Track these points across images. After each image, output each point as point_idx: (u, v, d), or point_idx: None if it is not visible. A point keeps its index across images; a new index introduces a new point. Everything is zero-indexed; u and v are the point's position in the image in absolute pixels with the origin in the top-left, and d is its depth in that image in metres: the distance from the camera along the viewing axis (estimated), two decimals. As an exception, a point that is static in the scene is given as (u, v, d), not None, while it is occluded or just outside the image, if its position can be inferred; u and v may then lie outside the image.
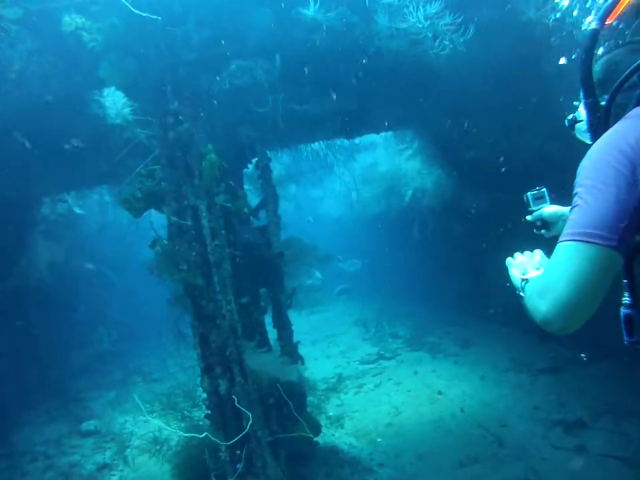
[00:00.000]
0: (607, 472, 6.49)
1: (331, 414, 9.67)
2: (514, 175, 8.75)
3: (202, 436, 4.59)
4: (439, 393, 9.82)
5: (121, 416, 11.56)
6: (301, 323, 20.06)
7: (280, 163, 10.94)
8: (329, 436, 8.68)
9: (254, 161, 7.43)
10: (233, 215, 6.41)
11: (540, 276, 2.19)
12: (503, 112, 7.45)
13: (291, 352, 6.77)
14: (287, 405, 6.64)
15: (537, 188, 3.34)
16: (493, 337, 13.12)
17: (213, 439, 4.50)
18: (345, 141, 11.43)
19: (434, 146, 8.94)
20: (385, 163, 13.30)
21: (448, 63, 6.64)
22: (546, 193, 3.32)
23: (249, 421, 4.23)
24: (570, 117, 2.75)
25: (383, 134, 10.34)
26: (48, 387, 13.35)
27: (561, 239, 1.89)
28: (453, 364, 11.70)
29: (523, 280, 2.51)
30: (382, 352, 13.74)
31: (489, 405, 8.90)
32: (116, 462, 9.23)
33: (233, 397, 4.31)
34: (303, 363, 7.55)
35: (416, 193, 11.98)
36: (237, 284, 6.03)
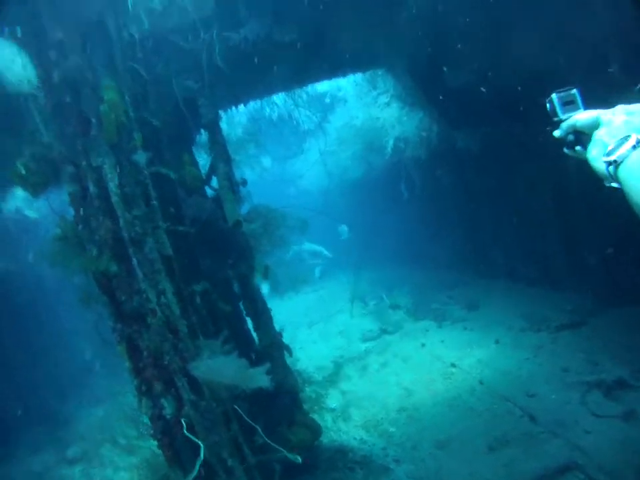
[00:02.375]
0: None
1: (334, 405, 8.58)
2: (508, 103, 7.58)
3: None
4: (452, 365, 8.72)
5: (109, 433, 10.36)
6: (295, 304, 19.35)
7: (240, 126, 9.70)
8: (335, 431, 7.58)
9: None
10: (178, 184, 5.21)
11: None
12: (488, 20, 6.23)
13: (269, 344, 5.61)
14: (272, 412, 5.51)
15: (565, 88, 2.48)
16: (498, 294, 12.16)
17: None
18: (308, 91, 10.19)
19: (411, 84, 7.71)
20: (359, 117, 12.05)
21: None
22: (578, 95, 2.47)
23: (202, 449, 3.06)
24: None
25: (352, 79, 9.15)
26: (31, 413, 12.13)
27: None
28: (462, 330, 10.63)
29: (612, 162, 1.90)
30: (384, 326, 12.75)
31: (509, 373, 7.79)
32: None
33: (182, 420, 3.13)
34: (290, 355, 6.43)
35: (398, 144, 10.77)
36: (191, 267, 4.85)
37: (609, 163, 1.92)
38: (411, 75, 7.38)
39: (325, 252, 16.33)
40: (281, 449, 4.82)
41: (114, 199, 3.17)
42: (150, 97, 5.19)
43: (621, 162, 1.86)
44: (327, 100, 13.99)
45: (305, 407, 7.21)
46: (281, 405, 5.75)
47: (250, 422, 3.79)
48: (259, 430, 3.80)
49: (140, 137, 3.72)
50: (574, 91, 2.47)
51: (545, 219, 10.01)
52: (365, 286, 17.77)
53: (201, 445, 3.03)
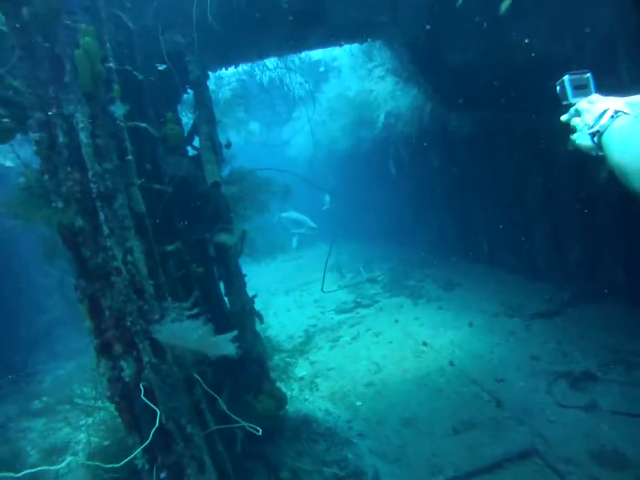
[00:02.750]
0: (624, 433, 5.45)
1: (303, 374, 8.56)
2: (506, 88, 7.44)
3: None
4: (424, 344, 8.72)
5: (80, 388, 10.23)
6: (274, 271, 19.30)
7: (229, 88, 9.42)
8: (301, 401, 7.57)
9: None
10: (159, 141, 5.04)
11: None
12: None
13: (240, 309, 5.51)
14: (239, 379, 5.45)
15: (579, 71, 2.49)
16: (478, 277, 12.17)
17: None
18: (302, 58, 9.92)
19: (408, 58, 7.53)
20: (352, 88, 11.80)
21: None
22: (591, 79, 2.48)
23: (159, 415, 2.96)
24: None
25: (347, 50, 8.90)
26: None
27: None
28: (436, 310, 10.63)
29: (595, 132, 2.24)
30: (359, 299, 12.76)
31: (481, 357, 7.80)
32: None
33: (141, 385, 3.03)
34: (262, 322, 6.34)
35: (389, 119, 10.57)
36: (165, 227, 4.72)
37: (593, 135, 2.24)
38: (409, 48, 7.18)
39: (310, 222, 16.05)
40: (239, 420, 4.77)
41: (85, 150, 2.99)
42: (136, 50, 5.00)
43: (604, 131, 2.18)
44: (322, 69, 13.72)
45: (273, 375, 7.16)
46: (249, 372, 5.68)
47: (209, 390, 3.70)
48: (219, 399, 3.71)
49: (119, 89, 3.53)
50: (588, 74, 2.47)
51: (533, 208, 9.98)
52: (344, 258, 17.75)
53: (158, 411, 2.93)
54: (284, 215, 16.97)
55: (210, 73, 7.24)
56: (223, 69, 7.61)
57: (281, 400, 5.79)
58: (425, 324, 9.85)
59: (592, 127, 2.25)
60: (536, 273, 10.53)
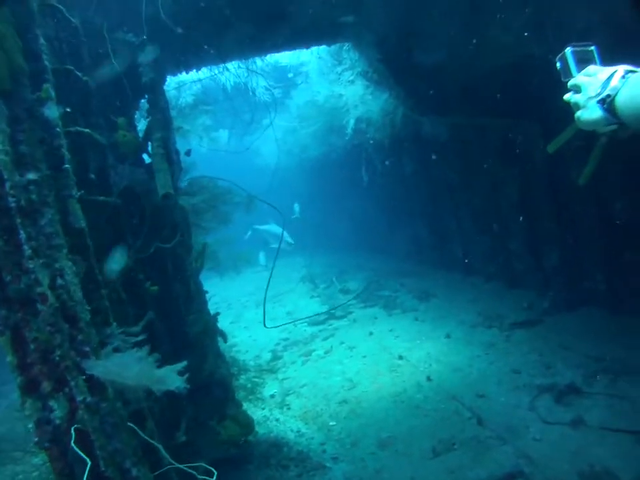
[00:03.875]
0: (614, 450, 5.14)
1: (275, 391, 8.13)
2: (481, 91, 7.15)
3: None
4: (400, 357, 8.36)
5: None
6: (244, 282, 18.82)
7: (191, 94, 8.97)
8: (272, 421, 7.13)
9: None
10: (108, 149, 4.60)
11: None
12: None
13: (201, 330, 5.07)
14: (202, 405, 5.04)
15: (582, 43, 2.26)
16: (454, 287, 11.91)
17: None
18: (270, 63, 9.55)
19: (378, 59, 7.19)
20: (320, 92, 11.43)
21: None
22: (595, 53, 2.24)
23: (89, 467, 2.52)
24: None
25: (315, 53, 8.53)
26: None
27: None
28: (412, 321, 10.29)
29: (605, 98, 1.98)
30: (332, 310, 12.28)
31: (459, 370, 7.45)
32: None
33: (72, 428, 2.59)
34: (225, 341, 5.94)
35: (359, 125, 10.23)
36: (114, 243, 4.29)
37: (602, 102, 2.01)
38: (379, 49, 6.85)
39: (288, 237, 15.10)
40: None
41: (0, 158, 2.57)
42: (83, 49, 4.58)
43: (615, 94, 1.95)
44: (290, 75, 13.37)
45: (241, 394, 6.75)
46: (212, 396, 5.26)
47: (148, 439, 3.23)
48: (161, 449, 3.27)
49: (48, 88, 3.10)
50: (592, 47, 2.24)
51: (509, 215, 9.74)
52: (317, 269, 17.43)
53: (88, 461, 2.50)
54: (259, 227, 16.25)
55: (170, 77, 6.85)
56: (184, 73, 7.20)
57: (247, 425, 5.37)
58: (401, 336, 9.50)
59: (599, 94, 2.03)
60: (513, 280, 10.29)
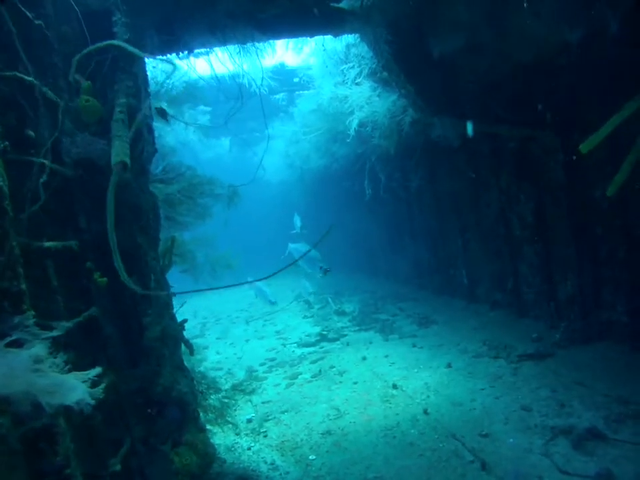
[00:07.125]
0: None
1: (252, 415, 7.25)
2: (503, 90, 6.38)
3: None
4: (394, 386, 7.46)
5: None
6: (238, 298, 18.03)
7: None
8: (243, 450, 6.25)
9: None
10: (64, 112, 3.82)
11: None
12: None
13: (158, 336, 4.21)
14: (155, 426, 4.17)
15: None
16: (456, 314, 11.08)
17: None
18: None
19: (388, 52, 6.44)
20: (325, 96, 10.64)
21: None
22: None
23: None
24: None
25: (320, 47, 7.76)
26: None
27: None
28: (410, 347, 9.41)
29: None
30: (325, 332, 11.59)
31: (461, 405, 6.56)
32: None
33: None
34: (192, 353, 5.08)
35: (364, 129, 9.43)
36: (60, 219, 3.49)
37: None
38: (389, 33, 6.09)
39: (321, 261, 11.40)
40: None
41: None
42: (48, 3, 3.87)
43: None
44: (296, 79, 12.69)
45: (211, 416, 5.86)
46: (167, 417, 4.38)
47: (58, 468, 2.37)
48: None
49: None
50: None
51: (521, 238, 8.94)
52: (313, 287, 16.62)
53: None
54: (294, 246, 13.15)
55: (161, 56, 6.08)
56: (174, 55, 6.42)
57: (206, 455, 4.47)
58: (396, 363, 8.61)
59: None
60: (522, 308, 9.46)
